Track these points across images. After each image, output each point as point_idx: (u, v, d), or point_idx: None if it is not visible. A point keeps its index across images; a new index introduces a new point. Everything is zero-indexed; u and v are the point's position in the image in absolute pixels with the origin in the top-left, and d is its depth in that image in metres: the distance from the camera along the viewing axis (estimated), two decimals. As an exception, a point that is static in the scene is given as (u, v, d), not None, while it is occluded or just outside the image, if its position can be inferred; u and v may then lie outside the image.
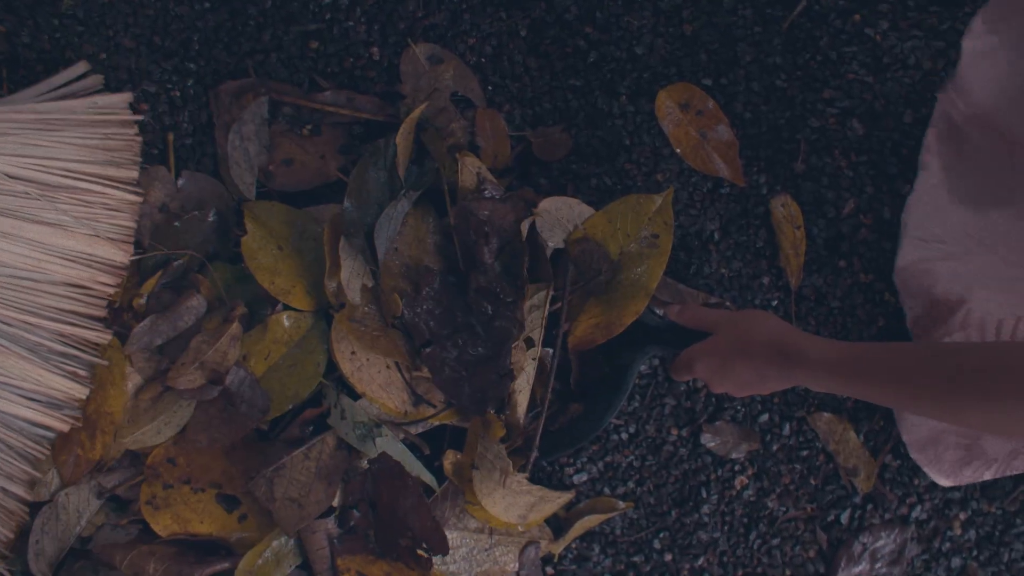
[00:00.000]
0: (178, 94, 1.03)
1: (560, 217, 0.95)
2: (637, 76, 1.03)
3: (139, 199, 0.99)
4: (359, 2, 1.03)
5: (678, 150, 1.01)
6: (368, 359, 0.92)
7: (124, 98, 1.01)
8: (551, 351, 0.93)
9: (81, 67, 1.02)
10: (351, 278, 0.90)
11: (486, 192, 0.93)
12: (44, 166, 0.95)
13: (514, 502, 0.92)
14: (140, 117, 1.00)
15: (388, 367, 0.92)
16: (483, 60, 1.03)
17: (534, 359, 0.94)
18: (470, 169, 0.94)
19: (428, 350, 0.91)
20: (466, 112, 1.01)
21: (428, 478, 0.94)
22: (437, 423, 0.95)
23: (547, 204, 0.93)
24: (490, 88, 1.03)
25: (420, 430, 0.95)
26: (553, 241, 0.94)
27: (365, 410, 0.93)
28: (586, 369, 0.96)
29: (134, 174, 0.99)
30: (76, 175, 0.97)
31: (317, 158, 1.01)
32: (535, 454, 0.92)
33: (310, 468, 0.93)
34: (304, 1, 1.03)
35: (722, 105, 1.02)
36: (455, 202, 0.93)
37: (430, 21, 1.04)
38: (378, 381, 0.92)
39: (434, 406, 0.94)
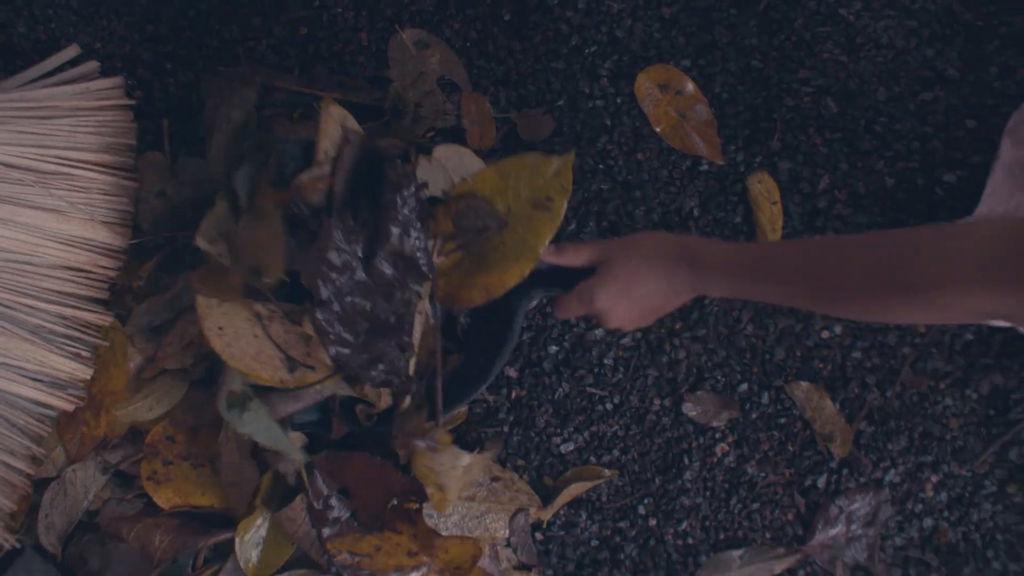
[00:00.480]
0: (172, 81, 1.05)
1: (449, 167, 0.91)
2: (618, 58, 1.07)
3: (135, 184, 1.02)
4: (346, -11, 1.06)
5: (658, 129, 1.05)
6: (236, 330, 0.85)
7: (116, 82, 1.04)
8: (433, 306, 0.90)
9: (72, 51, 1.05)
10: (211, 226, 0.89)
11: (349, 136, 0.87)
12: (39, 154, 0.98)
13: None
14: (133, 102, 1.03)
15: (257, 336, 0.86)
16: (468, 44, 1.06)
17: (420, 313, 0.90)
18: (334, 119, 0.87)
19: (319, 312, 0.82)
20: (452, 95, 1.04)
21: (298, 457, 0.91)
22: (326, 391, 0.90)
23: (439, 152, 0.89)
24: (475, 71, 1.06)
25: (311, 401, 0.89)
26: (434, 190, 0.90)
27: (241, 380, 0.87)
28: (469, 318, 0.95)
29: (129, 160, 1.02)
30: (71, 162, 1.00)
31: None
32: (443, 419, 0.89)
33: (234, 449, 0.96)
34: (292, -12, 1.06)
35: (700, 86, 1.06)
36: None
37: (417, 6, 1.07)
38: (250, 352, 0.85)
39: (312, 368, 0.87)
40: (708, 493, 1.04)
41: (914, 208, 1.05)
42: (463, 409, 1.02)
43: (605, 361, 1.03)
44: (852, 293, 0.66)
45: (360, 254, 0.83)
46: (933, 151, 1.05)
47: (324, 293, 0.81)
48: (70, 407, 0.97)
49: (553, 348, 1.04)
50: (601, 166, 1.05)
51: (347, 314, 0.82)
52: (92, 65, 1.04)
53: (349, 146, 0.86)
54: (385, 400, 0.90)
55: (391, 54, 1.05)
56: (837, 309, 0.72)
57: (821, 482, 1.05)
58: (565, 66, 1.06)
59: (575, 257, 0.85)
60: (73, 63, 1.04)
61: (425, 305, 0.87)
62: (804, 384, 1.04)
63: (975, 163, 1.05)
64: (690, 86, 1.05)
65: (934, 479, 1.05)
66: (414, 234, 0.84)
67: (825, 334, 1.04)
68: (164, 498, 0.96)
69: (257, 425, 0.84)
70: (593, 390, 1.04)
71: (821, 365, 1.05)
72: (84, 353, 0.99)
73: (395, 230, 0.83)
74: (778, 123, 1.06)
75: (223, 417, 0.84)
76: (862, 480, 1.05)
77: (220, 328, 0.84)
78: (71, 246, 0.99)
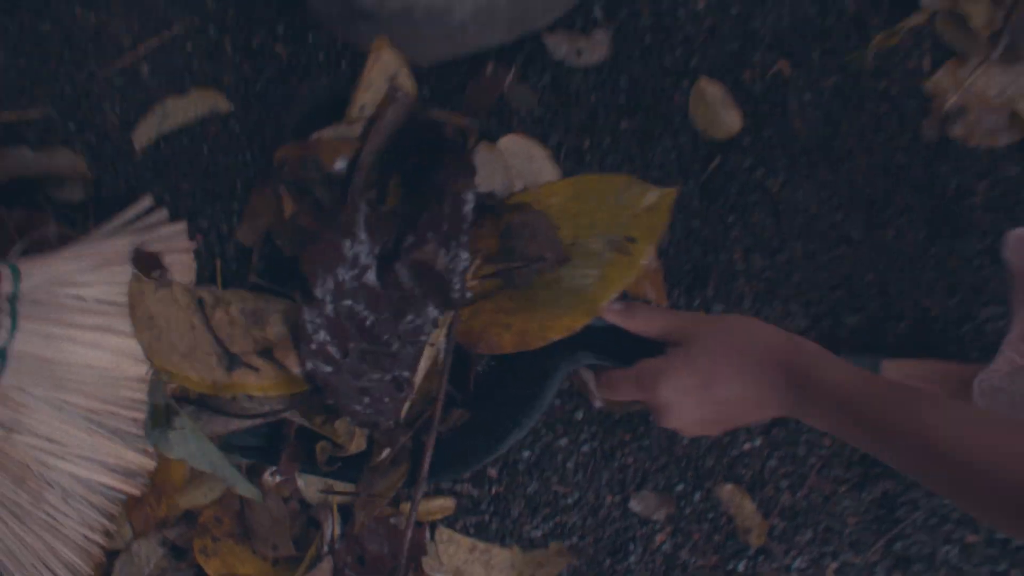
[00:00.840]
0: (225, 228, 1.31)
1: (513, 164, 0.72)
2: (585, 218, 1.32)
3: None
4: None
5: (616, 277, 1.30)
6: (169, 320, 0.64)
7: (181, 227, 1.29)
8: (448, 342, 0.69)
9: (147, 201, 1.30)
10: None
11: (397, 94, 0.68)
12: (120, 291, 1.23)
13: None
14: (195, 246, 1.28)
15: (193, 327, 0.67)
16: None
17: (432, 346, 0.70)
18: (384, 67, 0.69)
19: (306, 311, 0.64)
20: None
21: (247, 490, 0.73)
22: (277, 409, 0.70)
23: (507, 142, 0.69)
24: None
25: (256, 420, 0.71)
26: (484, 189, 0.70)
27: (164, 391, 0.66)
28: (487, 367, 0.77)
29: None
30: (145, 292, 1.25)
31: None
32: (423, 488, 0.68)
33: (267, 515, 1.09)
34: (325, 153, 1.32)
35: (652, 241, 1.31)
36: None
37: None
38: (180, 348, 0.66)
39: (256, 369, 0.67)
40: (649, 573, 1.28)
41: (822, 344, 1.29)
42: (450, 503, 1.26)
43: (568, 464, 1.28)
44: None
45: (377, 251, 0.66)
46: (839, 299, 1.30)
47: (321, 288, 0.64)
48: (137, 492, 1.22)
49: (526, 453, 1.28)
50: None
51: (340, 322, 0.65)
52: (163, 213, 1.29)
53: (395, 107, 0.67)
54: (357, 444, 0.73)
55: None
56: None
57: (741, 567, 1.29)
58: (543, 223, 1.32)
59: (647, 324, 0.69)
60: (147, 211, 1.30)
61: (439, 338, 0.70)
62: (729, 486, 1.28)
63: (872, 309, 1.29)
64: (643, 242, 1.30)
65: (834, 566, 1.29)
66: (455, 250, 0.67)
67: (747, 446, 1.29)
68: (213, 568, 1.20)
69: (188, 447, 0.64)
70: (558, 488, 1.28)
71: (743, 471, 1.29)
72: (149, 449, 1.23)
73: (433, 238, 0.66)
74: (714, 273, 1.31)
75: (147, 438, 0.59)
76: (775, 566, 1.29)
77: (151, 318, 0.63)
78: (142, 362, 1.23)
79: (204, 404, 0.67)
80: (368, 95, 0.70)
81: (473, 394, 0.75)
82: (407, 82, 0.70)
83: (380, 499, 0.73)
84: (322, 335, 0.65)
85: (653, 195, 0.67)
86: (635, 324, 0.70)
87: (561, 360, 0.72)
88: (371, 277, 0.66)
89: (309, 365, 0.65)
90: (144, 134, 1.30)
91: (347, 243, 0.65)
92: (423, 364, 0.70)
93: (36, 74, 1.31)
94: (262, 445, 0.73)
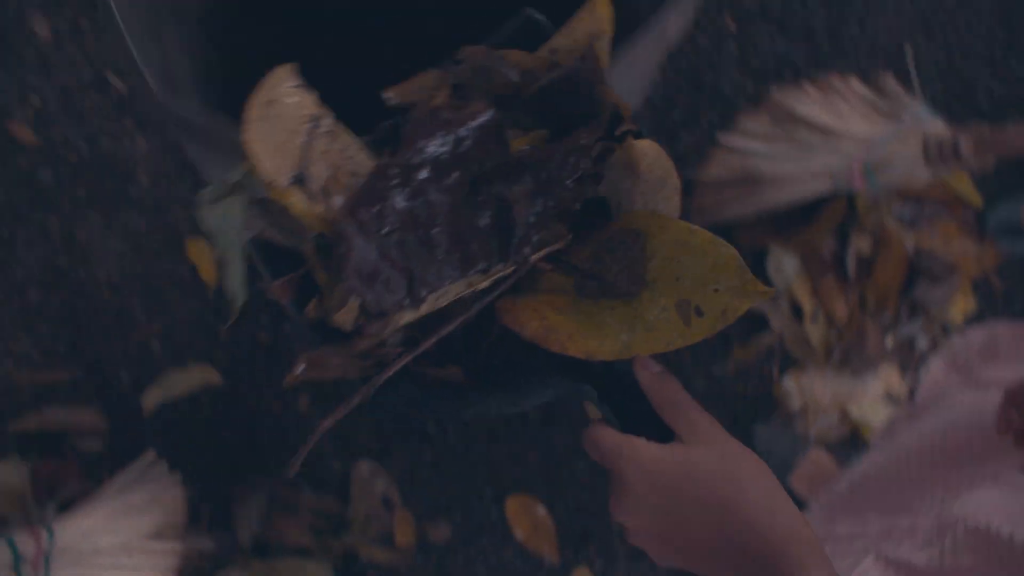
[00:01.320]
0: (210, 479, 1.65)
1: (641, 174, 0.66)
2: (495, 487, 1.66)
3: (182, 545, 1.61)
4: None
5: (518, 535, 1.64)
6: (280, 115, 0.67)
7: (175, 478, 1.62)
8: (481, 298, 0.66)
9: (150, 456, 1.64)
10: None
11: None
12: (130, 535, 1.56)
13: None
14: (184, 498, 1.62)
15: (294, 132, 0.67)
16: (402, 474, 1.66)
17: (469, 288, 0.66)
18: (594, 22, 0.68)
19: (388, 161, 0.62)
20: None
21: (237, 288, 0.73)
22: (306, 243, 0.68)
23: (643, 148, 0.65)
24: (405, 494, 1.65)
25: (288, 239, 0.69)
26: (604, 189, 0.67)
27: (247, 175, 0.70)
28: (506, 348, 0.69)
29: (179, 530, 1.61)
30: (145, 534, 1.58)
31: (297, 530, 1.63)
32: (365, 397, 0.64)
33: None
34: (287, 437, 1.66)
35: (548, 505, 1.65)
36: None
37: (378, 447, 1.67)
38: (271, 138, 0.67)
39: (310, 193, 0.65)
40: None
41: None
42: None
43: None
44: None
45: (477, 166, 0.63)
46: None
47: (414, 152, 0.61)
48: None
49: None
50: (480, 558, 1.65)
51: (404, 201, 0.62)
52: (162, 466, 1.63)
53: (581, 63, 0.64)
54: (342, 320, 0.66)
55: (352, 477, 1.65)
56: None
57: None
58: (461, 488, 1.67)
59: (667, 406, 0.62)
60: (150, 464, 1.64)
61: (482, 284, 0.65)
62: None
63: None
64: (541, 509, 1.65)
65: None
66: (544, 218, 0.63)
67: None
68: None
69: (224, 224, 0.70)
70: None
71: None
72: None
73: (528, 188, 0.62)
74: (597, 534, 1.65)
75: (198, 200, 0.70)
76: None
77: (270, 102, 0.67)
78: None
79: (261, 204, 0.68)
80: (565, 41, 0.68)
81: (479, 358, 0.70)
82: (603, 51, 0.67)
83: (327, 370, 0.67)
84: (383, 204, 0.62)
85: (750, 286, 0.62)
86: (656, 396, 0.62)
87: (562, 382, 0.65)
88: (457, 180, 0.62)
89: (348, 212, 0.61)
90: (152, 398, 1.64)
91: (454, 133, 0.62)
92: (447, 298, 0.65)
93: (67, 342, 1.65)
94: (274, 263, 0.71)
